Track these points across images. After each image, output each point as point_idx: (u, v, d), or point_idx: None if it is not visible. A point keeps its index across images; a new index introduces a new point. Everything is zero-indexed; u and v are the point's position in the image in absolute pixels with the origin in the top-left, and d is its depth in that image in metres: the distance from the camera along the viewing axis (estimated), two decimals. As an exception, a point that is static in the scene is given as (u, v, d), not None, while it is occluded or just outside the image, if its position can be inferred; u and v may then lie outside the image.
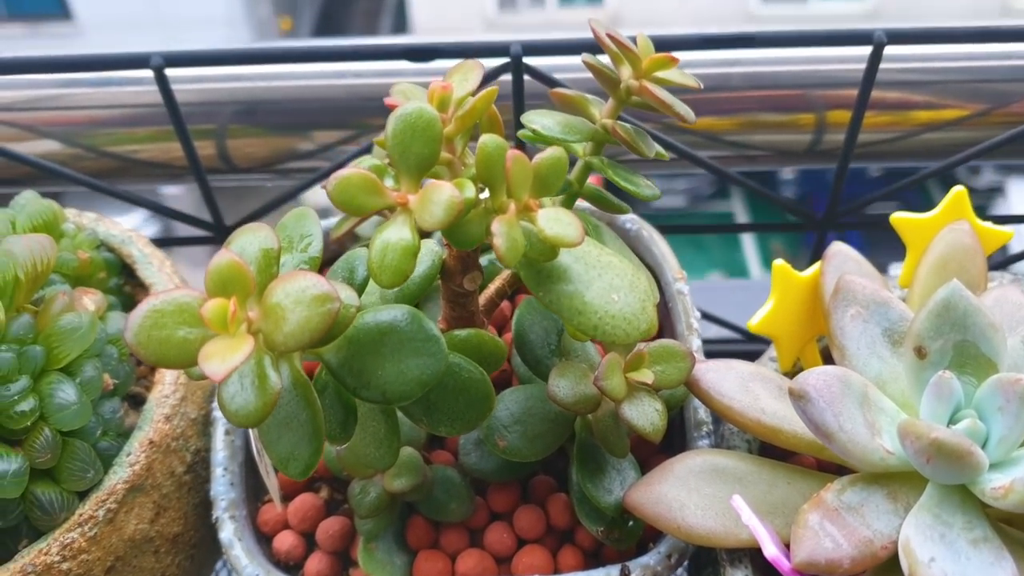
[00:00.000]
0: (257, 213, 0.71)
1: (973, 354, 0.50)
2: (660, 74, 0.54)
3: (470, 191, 0.43)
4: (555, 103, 0.57)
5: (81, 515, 0.54)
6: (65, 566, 0.53)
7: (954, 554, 0.46)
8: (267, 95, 0.70)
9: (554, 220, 0.45)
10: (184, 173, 0.71)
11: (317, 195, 0.65)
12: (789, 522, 0.53)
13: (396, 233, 0.43)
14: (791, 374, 0.62)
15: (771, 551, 0.47)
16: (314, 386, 0.48)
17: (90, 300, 0.58)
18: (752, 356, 0.85)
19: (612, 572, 0.54)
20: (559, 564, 0.57)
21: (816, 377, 0.48)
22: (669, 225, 0.73)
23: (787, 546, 0.51)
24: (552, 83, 0.64)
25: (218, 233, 0.73)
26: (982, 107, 0.70)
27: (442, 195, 0.42)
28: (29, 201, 0.62)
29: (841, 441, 0.48)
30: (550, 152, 0.46)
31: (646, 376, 0.53)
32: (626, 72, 0.54)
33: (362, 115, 0.70)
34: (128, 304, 0.65)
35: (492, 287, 0.57)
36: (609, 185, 0.57)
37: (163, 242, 0.75)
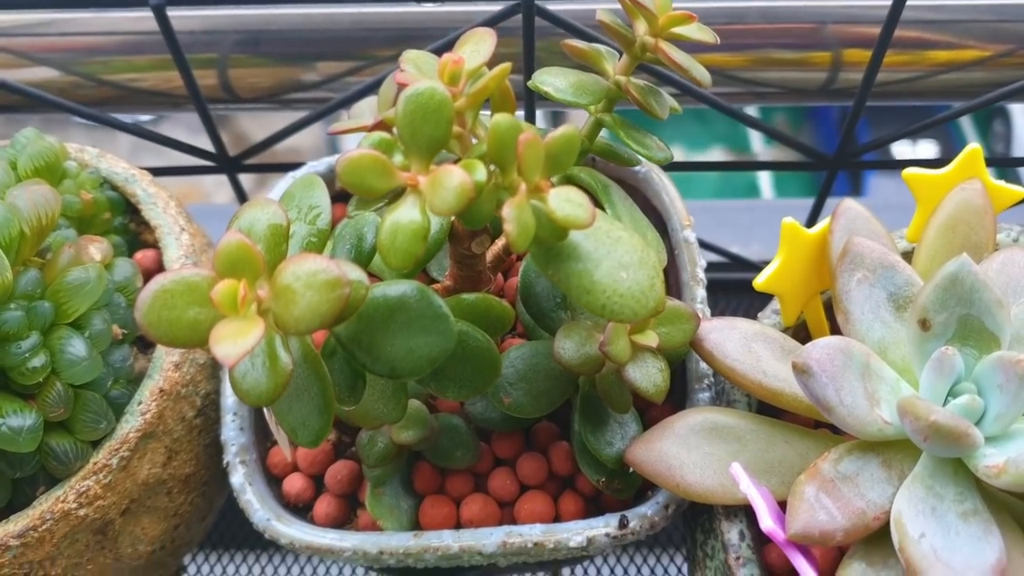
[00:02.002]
0: (264, 143, 0.70)
1: (977, 327, 0.50)
2: (677, 30, 0.52)
3: (481, 174, 0.43)
4: (568, 54, 0.55)
5: (96, 464, 0.55)
6: (82, 512, 0.55)
7: (944, 528, 0.47)
8: (271, 23, 0.68)
9: (565, 201, 0.44)
10: (186, 102, 0.69)
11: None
12: (785, 481, 0.54)
13: (407, 215, 0.43)
14: (794, 329, 0.62)
15: (767, 524, 0.48)
16: (323, 351, 0.49)
17: (96, 248, 0.58)
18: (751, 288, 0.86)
19: (611, 521, 0.56)
20: (560, 510, 0.58)
21: (819, 351, 0.49)
22: (676, 162, 0.72)
23: (782, 505, 0.53)
24: (565, 26, 0.62)
25: (221, 163, 0.72)
26: (1005, 47, 0.68)
27: (452, 180, 0.42)
28: (30, 140, 0.61)
29: (841, 415, 0.49)
30: (562, 130, 0.45)
31: (651, 339, 0.53)
32: (641, 28, 0.52)
33: (369, 46, 0.68)
34: (133, 244, 0.65)
35: (500, 243, 0.57)
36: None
37: (165, 171, 0.75)
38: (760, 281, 0.57)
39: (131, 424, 0.56)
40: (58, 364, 0.53)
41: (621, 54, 0.54)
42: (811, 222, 0.76)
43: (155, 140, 0.70)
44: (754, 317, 0.75)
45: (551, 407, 0.56)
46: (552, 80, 0.51)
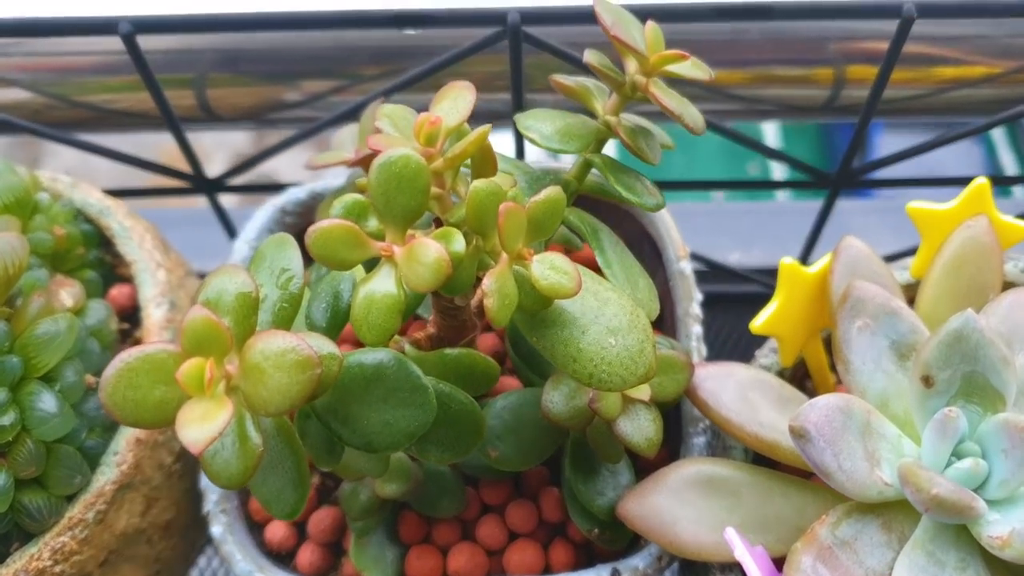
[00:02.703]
0: (246, 164, 0.68)
1: (981, 384, 0.48)
2: (670, 68, 0.49)
3: (459, 244, 0.40)
4: (555, 87, 0.53)
5: (71, 519, 0.53)
6: (58, 569, 0.53)
7: (945, 600, 0.45)
8: (249, 42, 0.65)
9: (550, 269, 0.42)
10: (163, 124, 0.66)
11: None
12: (782, 539, 0.52)
13: (382, 286, 0.41)
14: (793, 368, 0.60)
15: (762, 596, 0.47)
16: (298, 414, 0.47)
17: (68, 294, 0.56)
18: (751, 298, 0.83)
19: (603, 573, 0.54)
20: (550, 559, 0.57)
21: (818, 413, 0.47)
22: (670, 182, 0.69)
23: (778, 562, 0.51)
24: (552, 51, 0.59)
25: (198, 185, 0.70)
26: (1016, 64, 0.65)
27: (429, 256, 0.39)
28: (0, 174, 0.59)
29: (840, 480, 0.47)
30: (546, 195, 0.42)
31: (643, 392, 0.51)
32: (632, 66, 0.50)
33: (352, 64, 0.65)
34: (109, 277, 0.63)
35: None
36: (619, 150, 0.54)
37: (142, 192, 0.72)
38: (758, 324, 0.55)
39: (107, 476, 0.55)
40: (28, 421, 0.51)
41: (611, 92, 0.51)
42: (813, 239, 0.74)
43: (128, 162, 0.67)
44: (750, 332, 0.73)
45: (540, 459, 0.54)
46: (538, 126, 0.49)
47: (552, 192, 0.42)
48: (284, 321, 0.44)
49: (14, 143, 0.61)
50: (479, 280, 0.45)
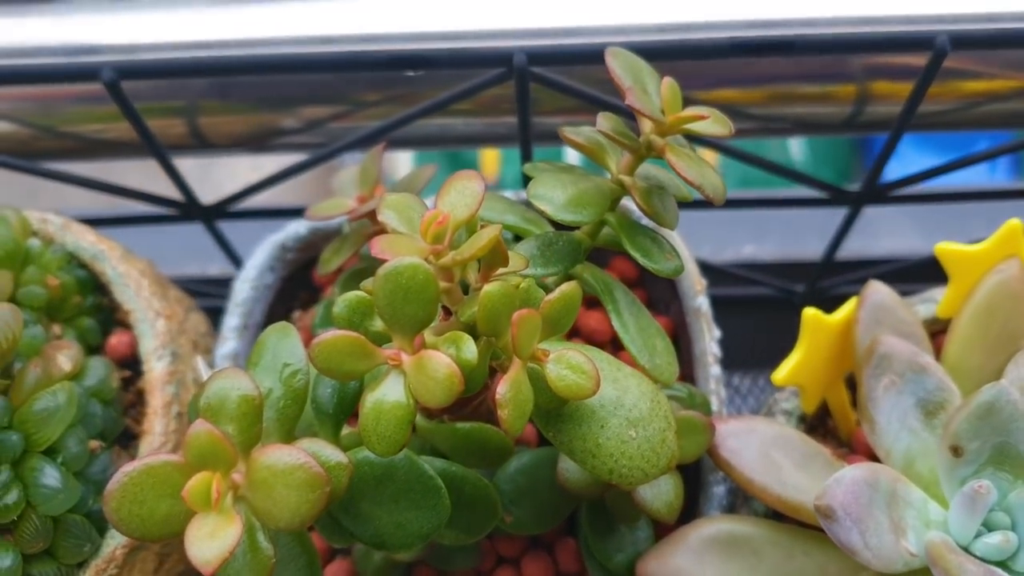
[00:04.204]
0: (245, 192, 0.65)
1: (1012, 454, 0.47)
2: (688, 126, 0.46)
3: (470, 352, 0.38)
4: (564, 141, 0.50)
5: (83, 586, 0.53)
6: (74, 635, 0.53)
7: None
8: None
9: (566, 370, 0.40)
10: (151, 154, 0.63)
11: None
12: (804, 598, 0.52)
13: (391, 394, 0.39)
14: (815, 416, 0.59)
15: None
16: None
17: (65, 357, 0.54)
18: (771, 301, 0.81)
19: (622, 629, 0.54)
20: (568, 611, 0.56)
21: (844, 491, 0.45)
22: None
23: (800, 623, 0.50)
24: (561, 88, 0.56)
25: (192, 212, 0.67)
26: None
27: (439, 370, 0.37)
28: (-12, 224, 0.57)
29: (866, 557, 0.45)
30: (560, 292, 0.40)
31: (662, 458, 0.50)
32: (647, 125, 0.47)
33: (353, 90, 0.62)
34: (106, 323, 0.61)
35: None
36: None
37: (133, 220, 0.70)
38: (781, 376, 0.54)
39: (117, 540, 0.54)
40: (33, 498, 0.50)
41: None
42: (833, 249, 0.72)
43: (118, 194, 0.65)
44: (765, 337, 0.71)
45: (556, 522, 0.53)
46: (548, 194, 0.46)
47: (567, 290, 0.40)
48: (289, 420, 0.43)
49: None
50: (492, 370, 0.43)
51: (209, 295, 0.75)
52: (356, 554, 0.55)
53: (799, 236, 0.88)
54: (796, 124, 0.64)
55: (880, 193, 0.65)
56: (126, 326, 0.61)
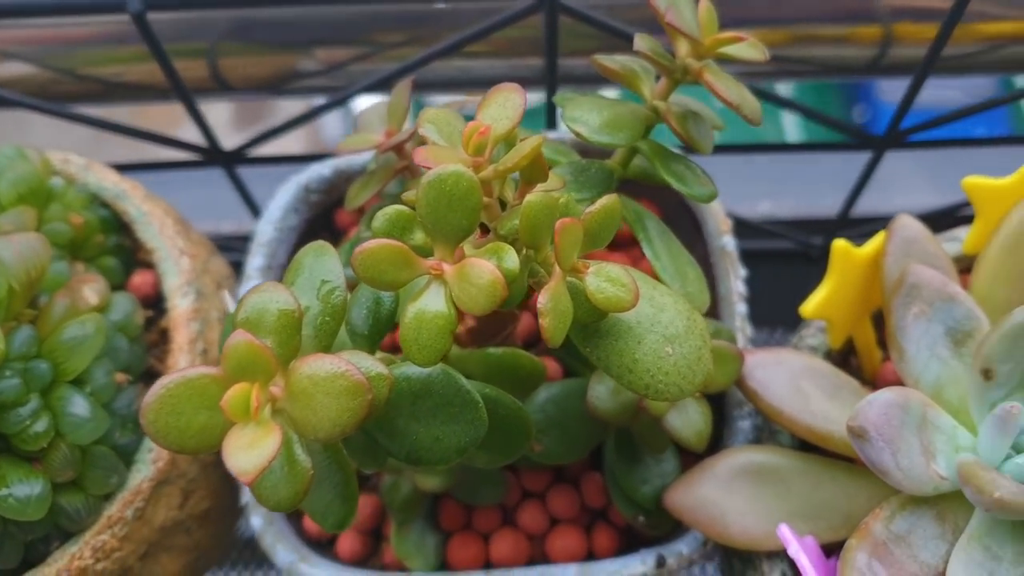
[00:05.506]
0: (265, 135, 0.65)
1: (1044, 378, 0.47)
2: (725, 50, 0.46)
3: (512, 261, 0.38)
4: (597, 69, 0.50)
5: (110, 517, 0.53)
6: (100, 566, 0.52)
7: (1003, 598, 0.45)
8: (263, 10, 0.62)
9: (606, 282, 0.40)
10: (173, 95, 0.63)
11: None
12: (833, 525, 0.52)
13: (432, 304, 0.39)
14: (839, 355, 0.59)
15: (818, 594, 0.46)
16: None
17: (91, 290, 0.54)
18: (788, 255, 0.81)
19: (647, 559, 0.54)
20: (593, 544, 0.56)
21: (876, 411, 0.45)
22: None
23: (827, 549, 0.50)
24: (591, 22, 0.56)
25: (214, 157, 0.67)
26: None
27: (482, 277, 0.37)
28: (11, 161, 0.56)
29: (897, 478, 0.46)
30: (602, 204, 0.40)
31: (692, 386, 0.50)
32: (683, 48, 0.47)
33: (374, 31, 0.62)
34: (129, 263, 0.61)
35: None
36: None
37: (155, 166, 0.70)
38: (809, 308, 0.54)
39: (143, 474, 0.54)
40: (62, 426, 0.50)
41: (659, 76, 0.48)
42: (853, 198, 0.72)
43: (141, 137, 0.65)
44: (791, 287, 0.71)
45: (585, 452, 0.53)
46: (585, 117, 0.46)
47: (607, 202, 0.40)
48: (328, 335, 0.43)
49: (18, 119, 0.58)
50: (530, 288, 0.43)
51: (224, 249, 0.75)
52: (383, 486, 0.55)
53: (815, 193, 0.88)
54: (820, 66, 0.64)
55: (903, 137, 0.64)
56: (148, 266, 0.61)
